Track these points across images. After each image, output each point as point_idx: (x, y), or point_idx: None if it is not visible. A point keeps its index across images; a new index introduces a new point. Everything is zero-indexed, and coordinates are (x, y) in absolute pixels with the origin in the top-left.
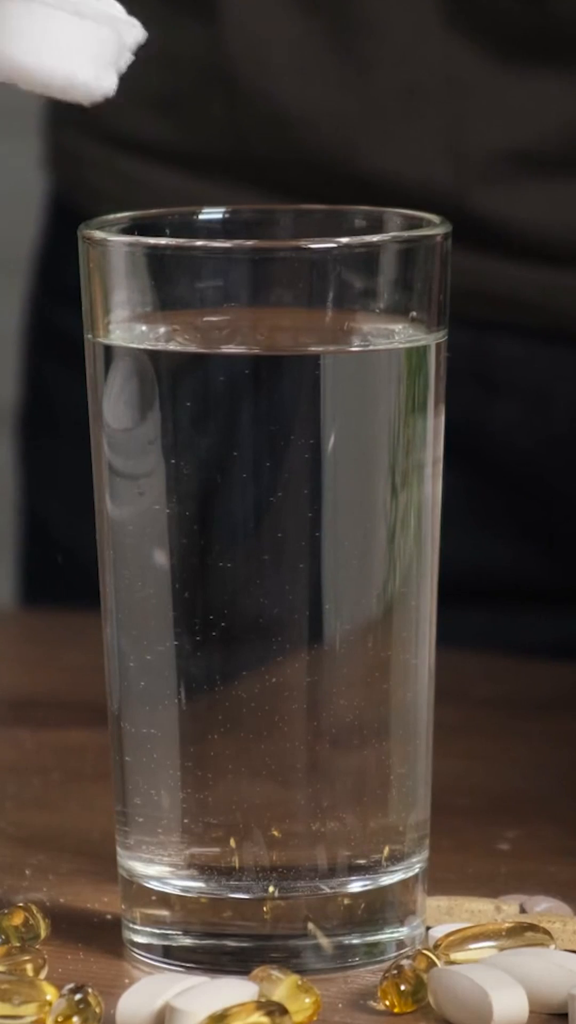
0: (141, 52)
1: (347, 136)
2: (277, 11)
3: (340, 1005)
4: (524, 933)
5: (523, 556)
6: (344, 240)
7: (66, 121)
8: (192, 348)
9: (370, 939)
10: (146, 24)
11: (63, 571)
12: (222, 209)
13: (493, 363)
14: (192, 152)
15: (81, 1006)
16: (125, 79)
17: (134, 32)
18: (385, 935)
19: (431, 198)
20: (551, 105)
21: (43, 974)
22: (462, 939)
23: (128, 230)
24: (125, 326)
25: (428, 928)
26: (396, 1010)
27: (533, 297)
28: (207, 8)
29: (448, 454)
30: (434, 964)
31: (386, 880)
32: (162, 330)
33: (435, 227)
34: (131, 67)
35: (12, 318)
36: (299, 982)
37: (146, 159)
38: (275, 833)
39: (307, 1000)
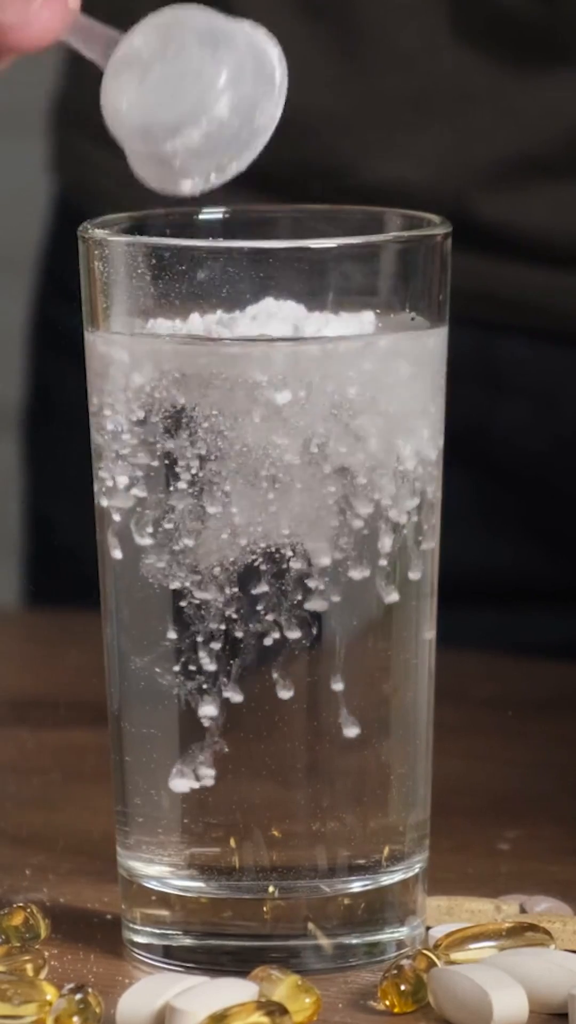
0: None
1: (354, 143)
2: (285, 18)
3: (340, 1005)
4: (524, 933)
5: (528, 556)
6: (344, 240)
7: (71, 123)
8: (192, 346)
9: (370, 939)
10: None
11: (67, 571)
12: (222, 209)
13: (500, 365)
14: None
15: (81, 1006)
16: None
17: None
18: (385, 935)
19: (438, 202)
20: (556, 109)
21: (43, 974)
22: (462, 939)
23: (128, 230)
24: (125, 325)
25: (428, 928)
26: (396, 1010)
27: (539, 299)
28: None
29: (455, 455)
30: (434, 964)
31: (386, 880)
32: (162, 329)
33: (435, 227)
34: None
35: (17, 318)
36: (299, 982)
37: None
38: (275, 833)
39: (307, 1000)
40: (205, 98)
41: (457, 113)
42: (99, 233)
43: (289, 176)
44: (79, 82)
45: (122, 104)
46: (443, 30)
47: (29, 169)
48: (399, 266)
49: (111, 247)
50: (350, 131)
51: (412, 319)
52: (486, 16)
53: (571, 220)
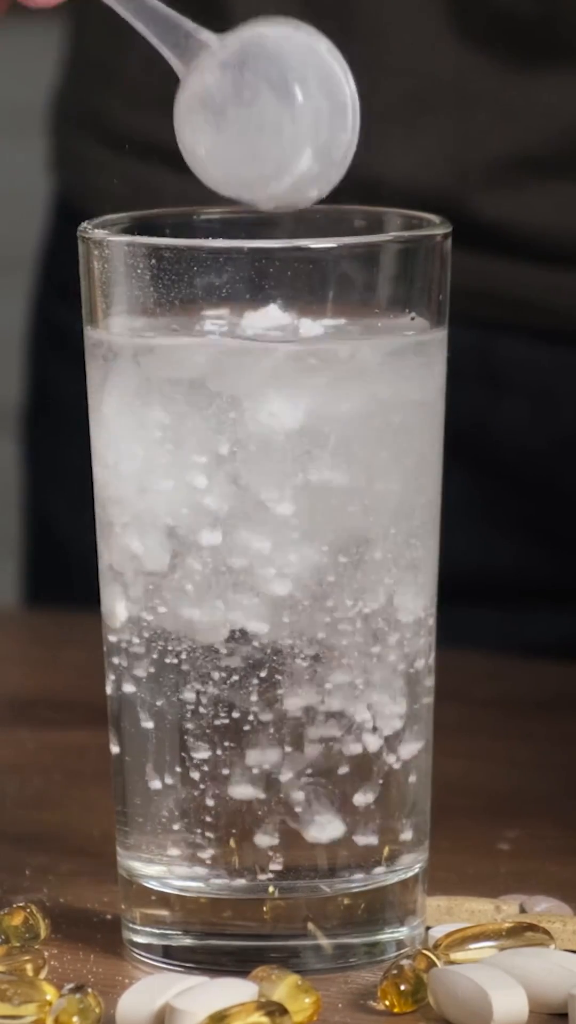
0: (148, 55)
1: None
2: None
3: (340, 1005)
4: (524, 933)
5: (528, 555)
6: (344, 240)
7: (71, 123)
8: (192, 346)
9: (370, 939)
10: None
11: (67, 570)
12: (222, 209)
13: (499, 364)
14: None
15: (81, 1006)
16: (132, 82)
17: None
18: (385, 935)
19: (437, 202)
20: (556, 109)
21: (43, 974)
22: (462, 939)
23: (128, 230)
24: (124, 325)
25: (428, 928)
26: (396, 1010)
27: (539, 298)
28: (216, 13)
29: (454, 454)
30: (434, 964)
31: (386, 880)
32: (161, 328)
33: (435, 227)
34: (138, 71)
35: (17, 318)
36: (299, 982)
37: (150, 161)
38: (275, 833)
39: (307, 1000)
40: (287, 157)
41: (457, 113)
42: (99, 233)
43: None
44: (79, 82)
45: (200, 150)
46: (443, 30)
47: (29, 169)
48: (399, 266)
49: (111, 247)
50: None
51: (412, 319)
52: (486, 16)
53: (571, 219)
